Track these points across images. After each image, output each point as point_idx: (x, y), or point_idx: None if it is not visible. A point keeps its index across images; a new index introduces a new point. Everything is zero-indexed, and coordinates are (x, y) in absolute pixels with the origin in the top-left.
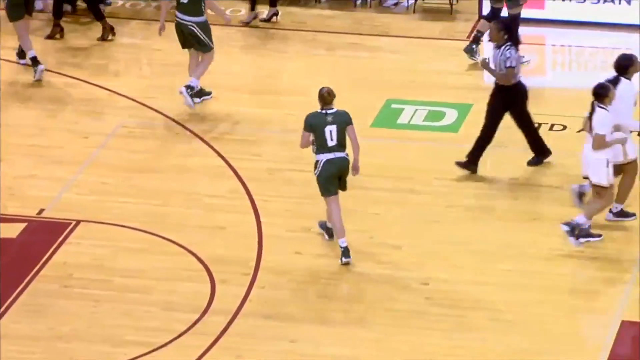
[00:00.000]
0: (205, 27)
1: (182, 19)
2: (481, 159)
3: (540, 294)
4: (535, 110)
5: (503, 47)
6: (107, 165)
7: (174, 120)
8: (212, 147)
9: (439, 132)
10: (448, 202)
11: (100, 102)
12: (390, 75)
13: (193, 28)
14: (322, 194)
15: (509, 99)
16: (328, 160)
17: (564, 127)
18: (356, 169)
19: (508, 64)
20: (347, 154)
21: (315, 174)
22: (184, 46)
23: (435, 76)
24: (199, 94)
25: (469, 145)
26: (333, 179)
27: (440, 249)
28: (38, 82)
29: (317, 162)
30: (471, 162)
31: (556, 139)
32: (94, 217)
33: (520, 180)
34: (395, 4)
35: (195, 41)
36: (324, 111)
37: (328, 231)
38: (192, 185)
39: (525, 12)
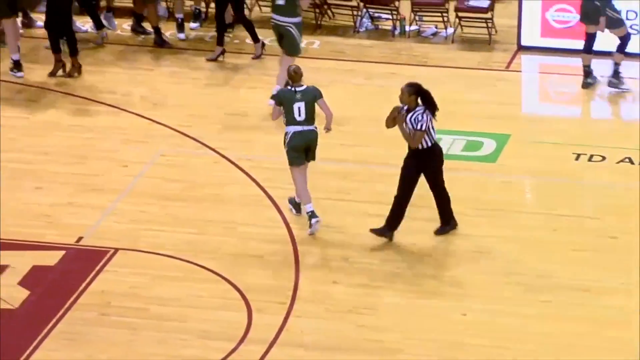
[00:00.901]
0: (300, 28)
1: (279, 20)
2: (521, 191)
3: (581, 326)
4: (575, 140)
5: (415, 110)
6: (145, 194)
7: (212, 149)
8: (250, 176)
9: (477, 162)
10: (486, 232)
11: (140, 131)
12: None
13: (290, 29)
14: (290, 164)
15: (422, 162)
16: (296, 132)
17: (603, 158)
18: (328, 128)
19: (418, 127)
20: (315, 127)
21: (284, 145)
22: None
23: (474, 106)
24: None
25: (507, 176)
26: (300, 150)
27: (478, 280)
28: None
29: (286, 133)
30: (389, 229)
31: (595, 169)
32: (131, 245)
33: (558, 211)
34: (434, 34)
35: (288, 42)
36: (293, 89)
37: (296, 206)
38: (230, 214)
39: (565, 43)
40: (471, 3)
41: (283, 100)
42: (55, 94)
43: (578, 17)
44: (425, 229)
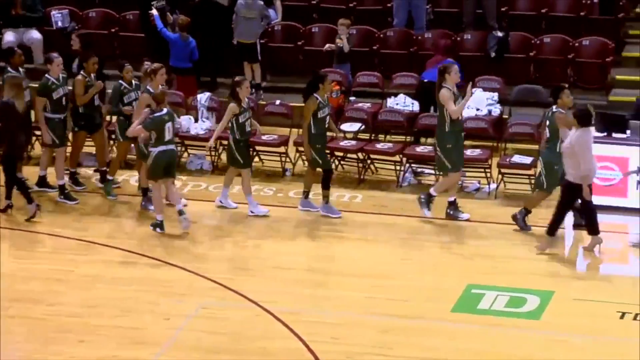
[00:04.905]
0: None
1: None
2: (566, 349)
3: None
4: (619, 298)
5: None
6: (187, 347)
7: (254, 302)
8: (291, 330)
9: (521, 318)
10: None
11: (181, 283)
12: (471, 260)
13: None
14: (150, 178)
15: None
16: (161, 151)
17: None
18: None
19: None
20: (175, 146)
21: (148, 162)
22: None
23: (517, 262)
24: None
25: (551, 332)
26: (163, 167)
27: None
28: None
29: (150, 152)
30: None
31: None
32: None
33: None
34: (477, 190)
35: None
36: (162, 112)
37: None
38: None
39: (609, 200)
40: (514, 159)
41: (159, 125)
42: (99, 247)
43: (621, 175)
44: None
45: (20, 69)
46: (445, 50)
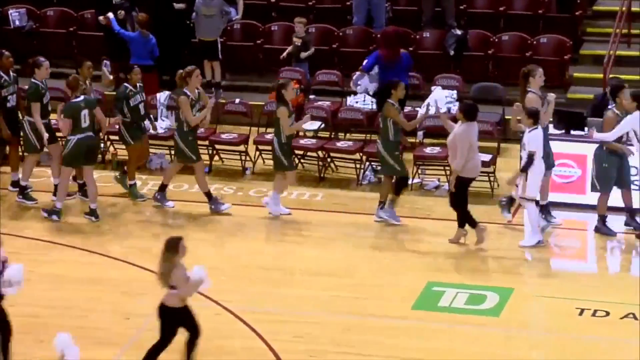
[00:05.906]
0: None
1: None
2: (524, 346)
3: None
4: (578, 295)
5: None
6: (148, 347)
7: (214, 301)
8: (253, 329)
9: (481, 315)
10: None
11: (142, 283)
12: (431, 258)
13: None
14: (69, 165)
15: None
16: (80, 139)
17: (607, 314)
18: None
19: None
20: (93, 134)
21: (65, 151)
22: None
23: (477, 259)
24: None
25: (511, 329)
26: (81, 155)
27: None
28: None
29: (69, 140)
30: None
31: (599, 325)
32: None
33: None
34: (436, 187)
35: None
36: (78, 99)
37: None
38: None
39: (567, 197)
40: None
41: (75, 112)
42: (60, 247)
43: (579, 172)
44: None
45: (11, 72)
46: (397, 38)
